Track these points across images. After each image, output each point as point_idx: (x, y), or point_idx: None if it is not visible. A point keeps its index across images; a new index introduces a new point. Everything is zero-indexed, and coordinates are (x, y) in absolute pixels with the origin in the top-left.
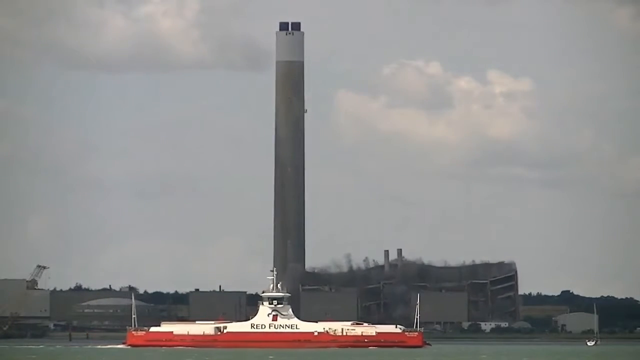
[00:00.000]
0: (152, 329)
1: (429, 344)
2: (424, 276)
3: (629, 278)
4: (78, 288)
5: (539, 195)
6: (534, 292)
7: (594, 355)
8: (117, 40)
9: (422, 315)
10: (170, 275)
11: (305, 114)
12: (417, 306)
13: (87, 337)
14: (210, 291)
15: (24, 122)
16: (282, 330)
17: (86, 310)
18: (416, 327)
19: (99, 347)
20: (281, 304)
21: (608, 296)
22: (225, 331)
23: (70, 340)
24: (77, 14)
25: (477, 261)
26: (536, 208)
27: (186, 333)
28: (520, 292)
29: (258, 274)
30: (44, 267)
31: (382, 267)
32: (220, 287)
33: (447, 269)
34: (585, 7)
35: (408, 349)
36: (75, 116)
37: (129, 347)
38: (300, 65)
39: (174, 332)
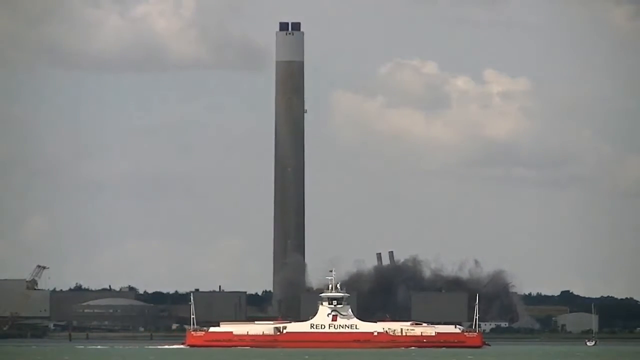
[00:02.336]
0: (212, 329)
1: (488, 344)
2: (421, 282)
3: (629, 278)
4: (78, 288)
5: (537, 195)
6: (534, 292)
7: (594, 355)
8: (114, 40)
9: (422, 315)
10: (170, 275)
11: (305, 114)
12: (476, 306)
13: (87, 338)
14: (210, 291)
15: (24, 122)
16: (341, 330)
17: (86, 310)
18: (475, 327)
19: (159, 347)
20: (341, 304)
21: (608, 296)
22: (284, 331)
23: (70, 340)
24: (73, 14)
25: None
26: (535, 208)
27: (245, 333)
28: (520, 292)
29: (258, 274)
30: (44, 267)
31: (380, 267)
32: (220, 287)
33: (444, 280)
34: (583, 7)
35: (467, 349)
36: (75, 116)
37: (189, 347)
38: (300, 65)
39: (234, 332)
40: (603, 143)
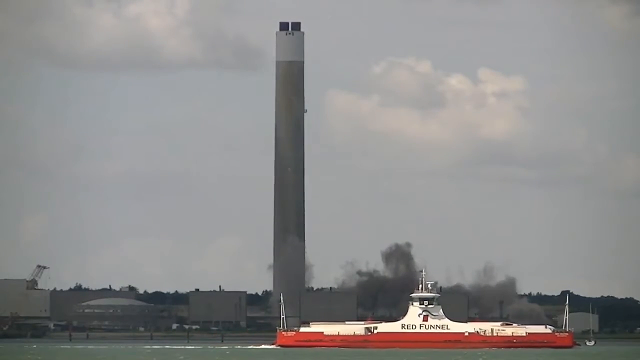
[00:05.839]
0: (302, 329)
1: (578, 344)
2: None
3: (629, 278)
4: (78, 288)
5: (535, 194)
6: (534, 292)
7: (594, 355)
8: (109, 39)
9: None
10: (170, 275)
11: (305, 114)
12: (567, 306)
13: (87, 337)
14: (210, 291)
15: (21, 122)
16: (432, 330)
17: (86, 310)
18: (565, 327)
19: (250, 347)
20: (432, 304)
21: (608, 296)
22: (375, 331)
23: (70, 340)
24: (67, 13)
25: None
26: (533, 207)
27: (337, 333)
28: (520, 292)
29: (258, 274)
30: (44, 267)
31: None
32: (220, 287)
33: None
34: (578, 5)
35: (558, 349)
36: (73, 116)
37: (279, 347)
38: (300, 65)
39: (325, 333)
40: (600, 142)
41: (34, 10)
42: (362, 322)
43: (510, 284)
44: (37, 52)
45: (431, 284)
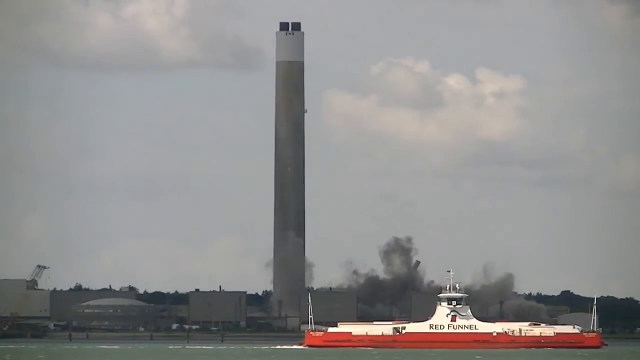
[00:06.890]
0: (330, 329)
1: (606, 344)
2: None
3: (629, 278)
4: (78, 288)
5: (534, 194)
6: (534, 292)
7: (594, 355)
8: (111, 39)
9: (421, 315)
10: (170, 275)
11: (305, 114)
12: (594, 307)
13: (87, 338)
14: (210, 291)
15: (21, 122)
16: (461, 330)
17: (86, 310)
18: (594, 327)
19: (277, 347)
20: (460, 304)
21: (608, 296)
22: (403, 332)
23: (70, 340)
24: (65, 13)
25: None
26: (532, 207)
27: (365, 334)
28: (520, 292)
29: (258, 274)
30: (44, 267)
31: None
32: (220, 287)
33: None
34: (577, 5)
35: (586, 349)
36: (73, 116)
37: (307, 347)
38: (300, 65)
39: (353, 333)
40: (600, 142)
41: (30, 9)
42: (390, 322)
43: (508, 281)
44: (34, 52)
45: (459, 285)
